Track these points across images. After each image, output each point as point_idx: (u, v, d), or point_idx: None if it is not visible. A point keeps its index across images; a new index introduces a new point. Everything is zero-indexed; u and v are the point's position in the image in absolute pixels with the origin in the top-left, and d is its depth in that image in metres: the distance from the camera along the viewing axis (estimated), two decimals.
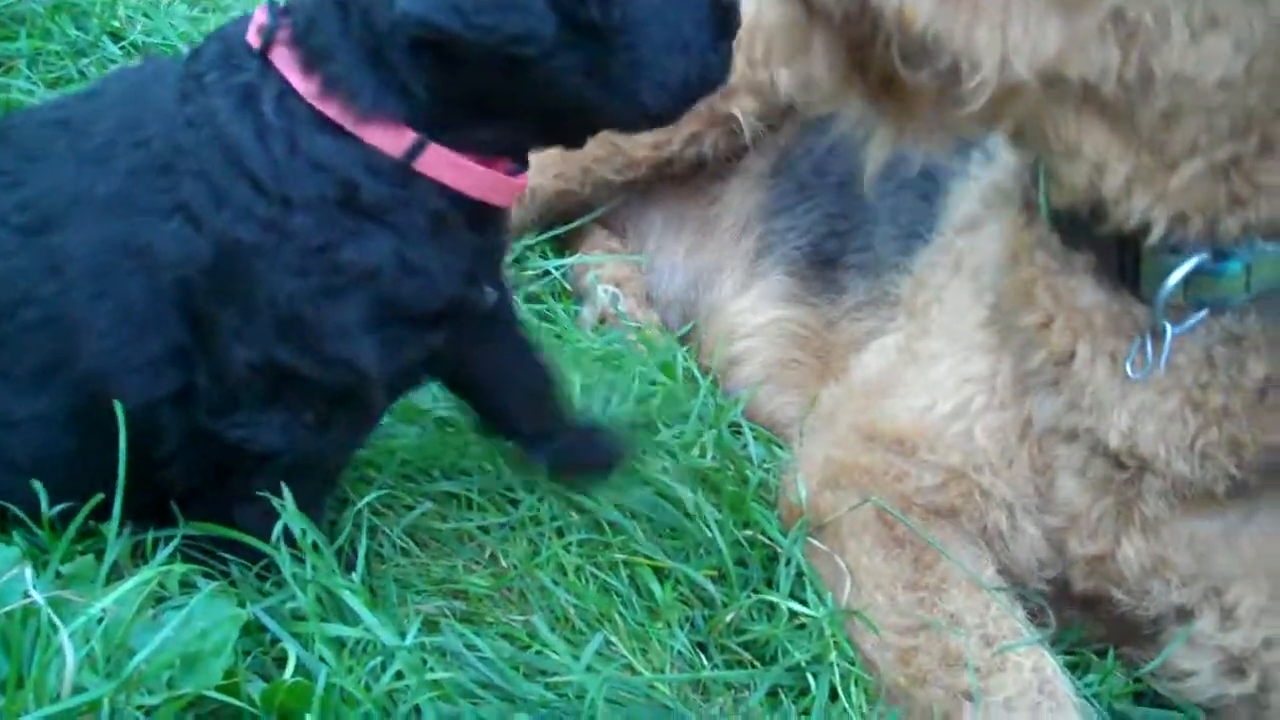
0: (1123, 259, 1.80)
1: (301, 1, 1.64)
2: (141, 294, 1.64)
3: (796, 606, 1.96)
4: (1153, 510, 1.90)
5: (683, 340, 2.72)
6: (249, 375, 1.66)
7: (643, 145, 2.76)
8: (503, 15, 1.53)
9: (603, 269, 2.81)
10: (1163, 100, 1.62)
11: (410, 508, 1.99)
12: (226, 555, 1.74)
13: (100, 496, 1.65)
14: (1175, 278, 1.73)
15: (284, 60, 1.61)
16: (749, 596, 1.99)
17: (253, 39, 1.64)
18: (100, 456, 1.64)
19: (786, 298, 2.65)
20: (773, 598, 1.97)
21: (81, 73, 2.88)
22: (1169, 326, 1.77)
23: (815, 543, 2.04)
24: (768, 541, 2.06)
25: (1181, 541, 1.91)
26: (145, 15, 3.11)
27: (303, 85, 1.60)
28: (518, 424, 1.97)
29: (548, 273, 2.80)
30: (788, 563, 1.99)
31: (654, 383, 2.43)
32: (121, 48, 2.99)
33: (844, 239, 2.61)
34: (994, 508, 2.00)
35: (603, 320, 2.71)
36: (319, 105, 1.60)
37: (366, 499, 1.86)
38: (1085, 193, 1.74)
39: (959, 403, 2.05)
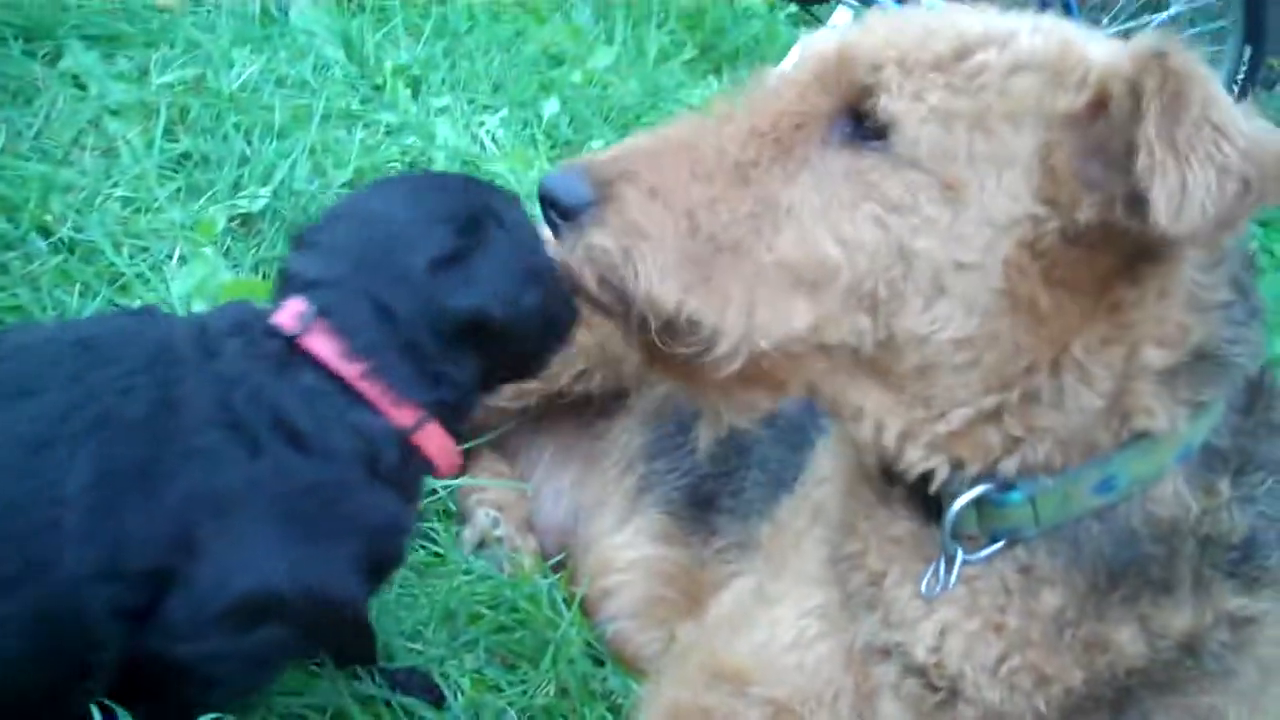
0: (925, 491, 1.90)
1: (338, 302, 1.87)
2: (141, 517, 1.73)
3: None
4: None
5: (557, 568, 2.79)
6: (238, 604, 1.76)
7: None
8: (524, 289, 1.89)
9: (486, 493, 2.89)
10: (913, 358, 1.78)
11: None
12: None
13: None
14: (957, 506, 1.85)
15: (322, 345, 1.84)
16: None
17: (289, 323, 1.85)
18: (36, 662, 1.70)
19: (662, 536, 2.73)
20: None
21: (3, 266, 2.96)
22: (959, 551, 1.88)
23: None
24: None
25: None
26: (77, 212, 3.19)
27: (345, 368, 1.83)
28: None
29: (435, 491, 2.87)
30: None
31: (517, 610, 2.50)
32: (50, 244, 3.06)
33: (719, 482, 2.71)
34: None
35: (482, 544, 2.78)
36: (360, 385, 1.83)
37: (210, 716, 1.89)
38: (873, 448, 1.88)
39: (795, 635, 2.12)
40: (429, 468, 1.94)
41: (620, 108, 4.95)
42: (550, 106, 4.71)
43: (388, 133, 4.09)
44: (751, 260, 1.76)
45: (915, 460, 1.85)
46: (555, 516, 2.95)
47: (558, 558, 2.83)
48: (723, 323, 1.75)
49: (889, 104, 1.73)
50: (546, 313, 1.98)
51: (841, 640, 2.06)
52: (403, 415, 1.86)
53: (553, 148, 4.56)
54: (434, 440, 1.91)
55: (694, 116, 1.89)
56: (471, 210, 1.92)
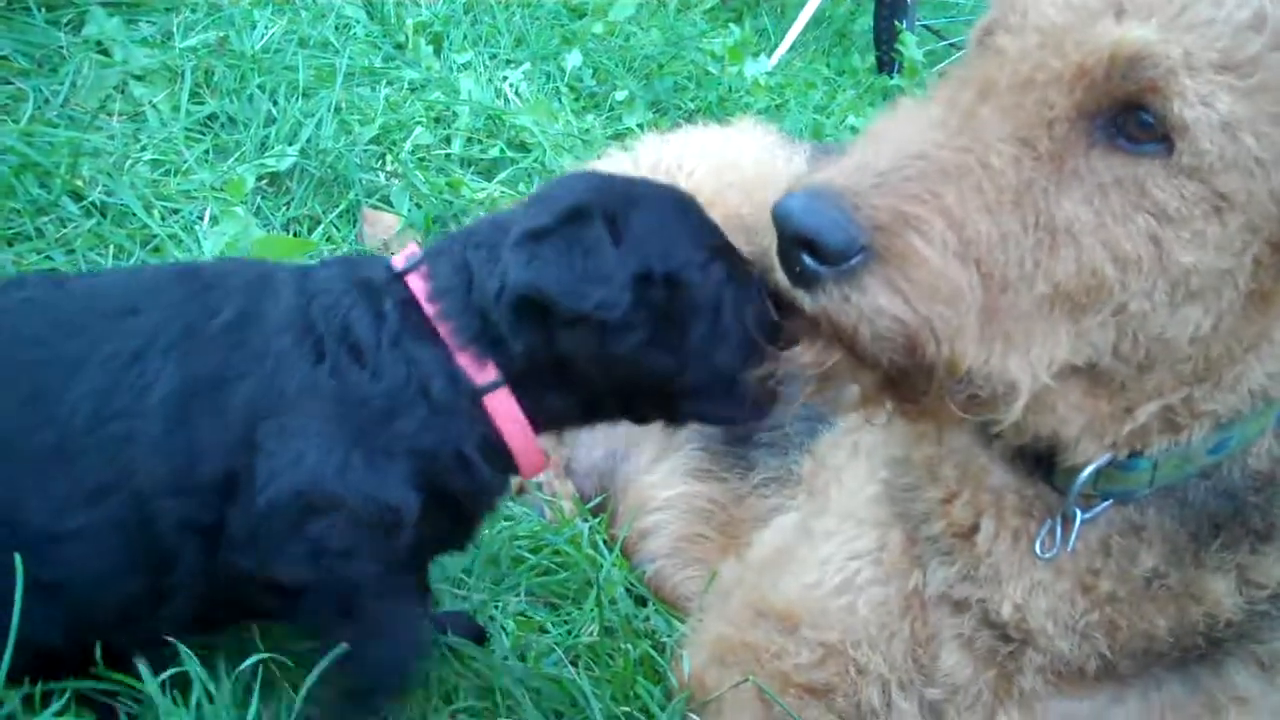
0: (1038, 450, 1.87)
1: (442, 264, 1.94)
2: (210, 421, 1.79)
3: None
4: (1030, 685, 1.95)
5: (596, 510, 2.81)
6: (287, 499, 1.78)
7: None
8: (592, 286, 1.82)
9: None
10: (1140, 360, 1.71)
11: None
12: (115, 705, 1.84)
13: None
14: (1088, 471, 1.81)
15: (417, 285, 1.91)
16: None
17: (399, 261, 1.96)
18: (113, 577, 1.78)
19: (698, 472, 2.74)
20: None
21: (39, 230, 2.98)
22: (1079, 513, 1.85)
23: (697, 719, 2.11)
24: (648, 718, 2.12)
25: (1055, 719, 1.96)
26: (108, 176, 3.21)
27: (427, 306, 1.90)
28: None
29: None
30: None
31: (558, 553, 2.52)
32: (81, 207, 3.08)
33: None
34: (869, 684, 2.05)
35: (521, 490, 2.80)
36: (435, 322, 1.89)
37: (259, 655, 1.91)
38: (1046, 439, 1.82)
39: (845, 578, 2.11)
40: (498, 439, 1.91)
41: (643, 58, 4.94)
42: (573, 59, 4.71)
43: (411, 89, 4.10)
44: (1029, 293, 1.62)
45: (1089, 453, 1.80)
46: (592, 459, 2.95)
47: (596, 500, 2.85)
48: (1009, 371, 1.62)
49: (1183, 110, 1.56)
50: (648, 337, 1.89)
51: (898, 586, 2.06)
52: (471, 366, 1.87)
53: (576, 100, 4.55)
54: (505, 406, 1.89)
55: (926, 110, 1.69)
56: (588, 202, 1.88)
